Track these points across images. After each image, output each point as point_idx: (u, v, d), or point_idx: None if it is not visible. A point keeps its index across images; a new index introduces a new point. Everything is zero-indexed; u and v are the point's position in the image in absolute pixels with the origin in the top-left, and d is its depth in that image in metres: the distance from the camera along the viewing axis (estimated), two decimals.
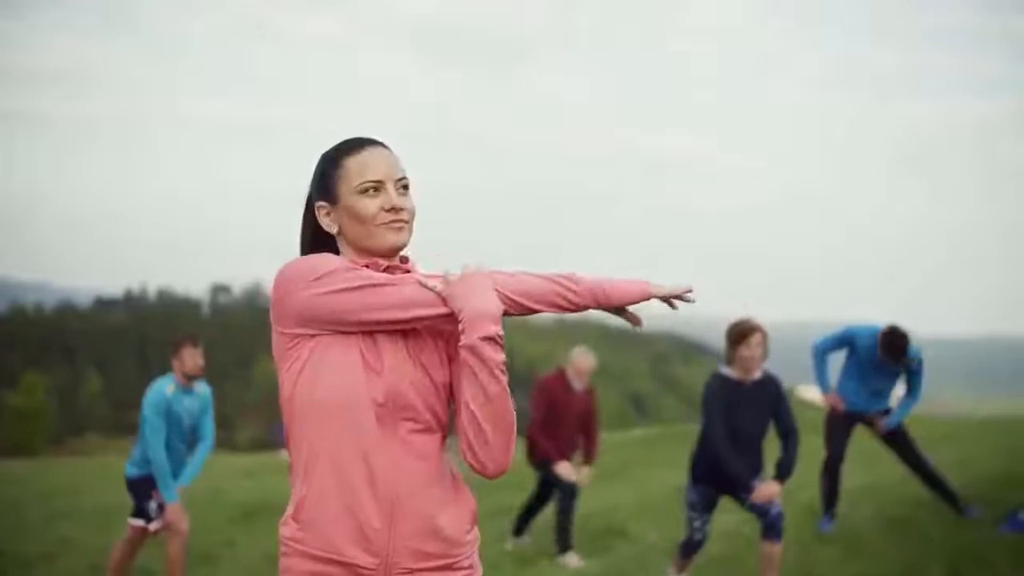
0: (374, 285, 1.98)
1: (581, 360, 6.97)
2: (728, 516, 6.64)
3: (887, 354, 6.42)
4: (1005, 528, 6.10)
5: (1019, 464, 8.13)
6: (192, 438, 6.03)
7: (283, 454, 18.67)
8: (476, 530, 2.12)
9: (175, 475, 5.87)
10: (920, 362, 6.55)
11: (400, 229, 2.06)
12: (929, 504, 6.79)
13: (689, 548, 5.52)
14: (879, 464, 8.46)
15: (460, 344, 1.97)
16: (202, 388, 6.06)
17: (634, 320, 2.17)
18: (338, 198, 2.07)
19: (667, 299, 2.14)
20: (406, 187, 2.09)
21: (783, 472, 5.14)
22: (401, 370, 2.01)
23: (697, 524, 5.40)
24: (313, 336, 2.00)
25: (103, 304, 71.90)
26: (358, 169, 2.06)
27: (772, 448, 5.24)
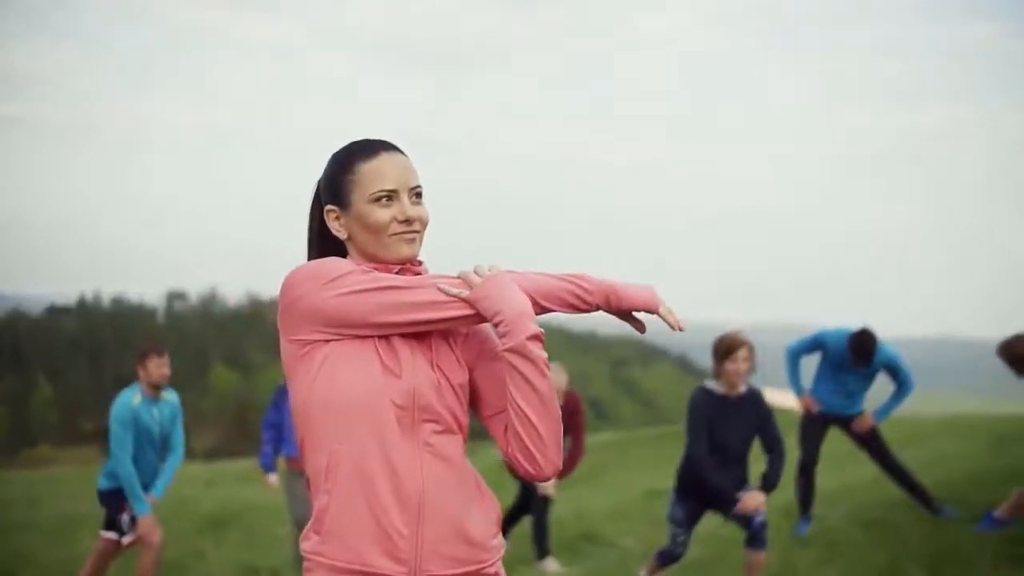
0: (393, 287, 1.93)
1: (553, 377, 6.86)
2: (706, 520, 6.62)
3: (856, 356, 6.48)
4: (980, 527, 6.13)
5: (984, 463, 8.22)
6: (164, 448, 5.90)
7: (242, 463, 18.42)
8: (501, 536, 2.07)
9: (148, 486, 5.74)
10: (894, 360, 6.60)
11: (412, 240, 2.02)
12: (904, 505, 6.82)
13: (667, 559, 5.48)
14: (852, 466, 8.51)
15: (505, 347, 1.92)
16: (171, 397, 5.94)
17: (639, 327, 2.13)
18: (349, 204, 2.02)
19: (663, 317, 2.10)
20: (419, 195, 2.04)
21: (769, 484, 5.13)
22: (419, 372, 1.96)
23: (681, 539, 5.37)
24: (327, 341, 1.93)
25: (55, 312, 70.66)
26: (372, 176, 2.00)
27: (756, 464, 5.21)
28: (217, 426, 49.11)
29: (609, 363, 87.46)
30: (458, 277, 1.98)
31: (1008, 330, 6.17)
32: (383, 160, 2.02)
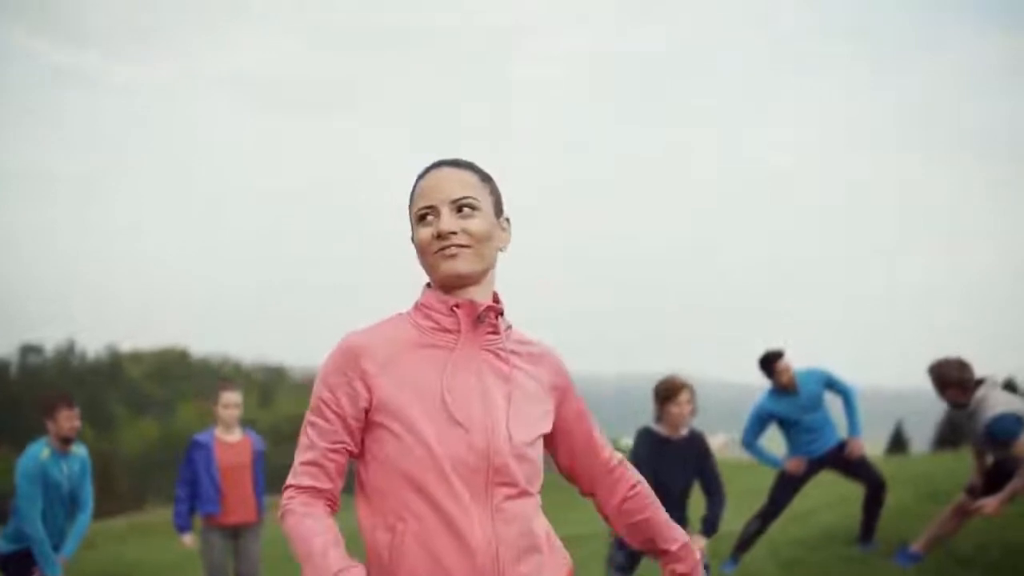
0: (305, 432, 1.89)
1: None
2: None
3: (766, 372, 6.61)
4: (895, 561, 6.30)
5: (894, 500, 8.46)
6: (72, 504, 5.55)
7: (118, 522, 17.55)
8: None
9: (56, 546, 5.39)
10: (827, 375, 6.71)
11: (453, 255, 1.85)
12: (817, 543, 6.96)
13: None
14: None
15: None
16: (80, 451, 5.61)
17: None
18: (412, 228, 1.94)
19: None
20: (470, 207, 1.87)
21: (709, 528, 5.14)
22: (491, 427, 1.84)
23: None
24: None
25: None
26: (416, 197, 1.93)
27: (697, 505, 5.23)
28: None
29: None
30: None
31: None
32: (427, 178, 1.92)
